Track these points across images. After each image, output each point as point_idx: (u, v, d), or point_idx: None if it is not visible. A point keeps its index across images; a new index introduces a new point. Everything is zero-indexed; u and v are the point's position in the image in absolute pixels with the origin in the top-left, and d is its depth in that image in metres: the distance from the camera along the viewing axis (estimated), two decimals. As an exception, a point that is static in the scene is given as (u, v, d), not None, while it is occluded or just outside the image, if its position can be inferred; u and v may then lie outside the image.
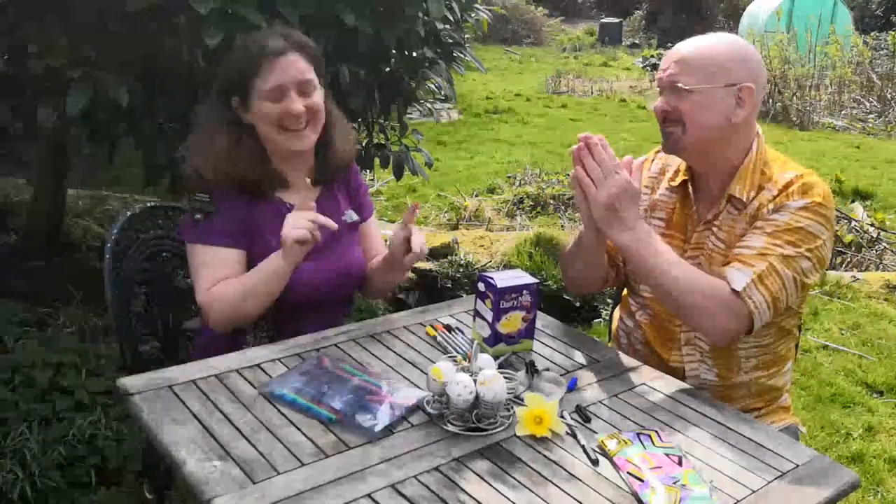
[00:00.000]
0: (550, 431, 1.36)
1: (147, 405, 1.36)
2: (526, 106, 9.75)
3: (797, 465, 1.34)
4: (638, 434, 1.37)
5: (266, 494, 1.16)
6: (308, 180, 1.79)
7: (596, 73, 12.88)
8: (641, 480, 1.25)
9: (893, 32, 10.30)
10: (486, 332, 1.63)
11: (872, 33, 11.73)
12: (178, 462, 1.22)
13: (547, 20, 18.13)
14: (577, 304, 3.63)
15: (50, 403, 2.35)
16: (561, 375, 1.54)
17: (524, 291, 1.63)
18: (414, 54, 2.70)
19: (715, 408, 1.51)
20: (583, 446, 1.34)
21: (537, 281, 1.66)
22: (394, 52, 2.64)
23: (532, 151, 7.21)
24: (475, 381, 1.35)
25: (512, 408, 1.41)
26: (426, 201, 5.51)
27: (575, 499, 1.21)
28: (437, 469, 1.25)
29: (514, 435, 1.36)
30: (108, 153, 2.60)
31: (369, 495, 1.18)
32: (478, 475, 1.25)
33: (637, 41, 17.66)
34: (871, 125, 9.34)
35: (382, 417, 1.35)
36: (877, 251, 4.83)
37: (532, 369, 1.51)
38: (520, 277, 1.65)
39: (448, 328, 1.75)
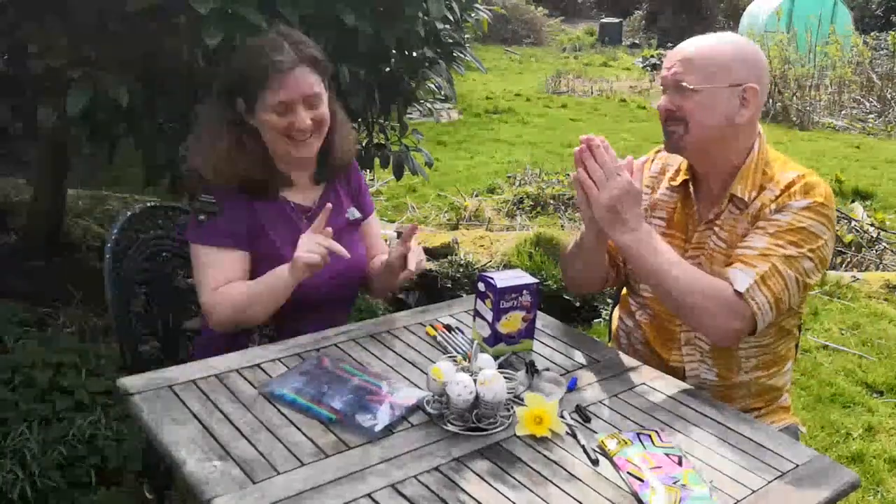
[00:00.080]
0: (550, 431, 1.36)
1: (147, 405, 1.36)
2: (526, 106, 9.75)
3: (797, 465, 1.34)
4: (638, 434, 1.37)
5: (266, 494, 1.16)
6: (310, 180, 1.79)
7: (596, 73, 12.88)
8: (641, 480, 1.25)
9: (893, 32, 10.30)
10: (486, 332, 1.63)
11: (872, 33, 11.73)
12: (178, 462, 1.22)
13: (547, 20, 18.14)
14: (577, 304, 3.63)
15: (50, 403, 2.35)
16: (561, 375, 1.54)
17: (524, 291, 1.63)
18: (414, 54, 2.70)
19: (715, 408, 1.52)
20: (583, 446, 1.34)
21: (537, 281, 1.66)
22: (394, 52, 2.64)
23: (532, 151, 7.21)
24: (475, 381, 1.35)
25: (512, 408, 1.41)
26: (426, 201, 5.51)
27: (575, 499, 1.21)
28: (437, 469, 1.25)
29: (514, 435, 1.36)
30: (108, 153, 2.60)
31: (369, 495, 1.18)
32: (478, 475, 1.25)
33: (637, 41, 17.67)
34: (871, 125, 9.34)
35: (382, 417, 1.35)
36: (877, 251, 4.83)
37: (532, 369, 1.51)
38: (520, 277, 1.65)
39: (448, 328, 1.75)
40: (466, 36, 2.90)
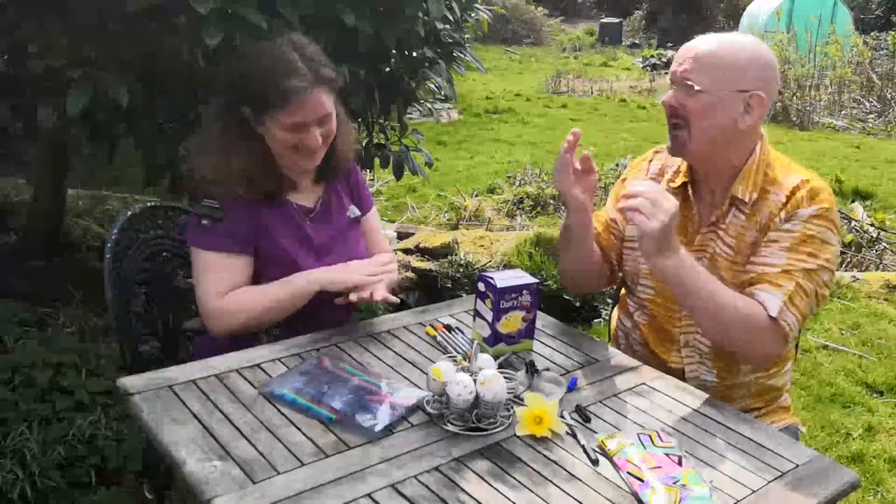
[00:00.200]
0: (550, 431, 1.36)
1: (147, 405, 1.36)
2: (526, 106, 9.75)
3: (797, 465, 1.34)
4: (638, 434, 1.37)
5: (266, 494, 1.16)
6: (311, 181, 1.79)
7: (596, 73, 12.88)
8: (641, 480, 1.25)
9: (893, 32, 10.30)
10: (486, 332, 1.63)
11: (872, 33, 11.73)
12: (178, 462, 1.22)
13: (547, 20, 18.14)
14: (577, 304, 3.63)
15: (50, 403, 2.35)
16: (561, 375, 1.54)
17: (524, 291, 1.63)
18: (414, 54, 2.70)
19: (715, 408, 1.52)
20: (583, 446, 1.34)
21: (537, 281, 1.66)
22: (394, 52, 2.64)
23: (532, 151, 7.21)
24: (475, 381, 1.35)
25: (512, 408, 1.41)
26: (426, 201, 5.52)
27: (575, 499, 1.21)
28: (437, 469, 1.25)
29: (514, 435, 1.36)
30: (108, 153, 2.60)
31: (369, 495, 1.18)
32: (478, 475, 1.25)
33: (637, 41, 17.67)
34: (871, 125, 9.35)
35: (382, 417, 1.35)
36: (877, 251, 4.83)
37: (532, 369, 1.51)
38: (520, 277, 1.65)
39: (448, 328, 1.75)
40: (466, 36, 2.89)
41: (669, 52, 14.47)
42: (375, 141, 3.00)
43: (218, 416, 1.35)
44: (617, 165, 6.41)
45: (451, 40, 2.76)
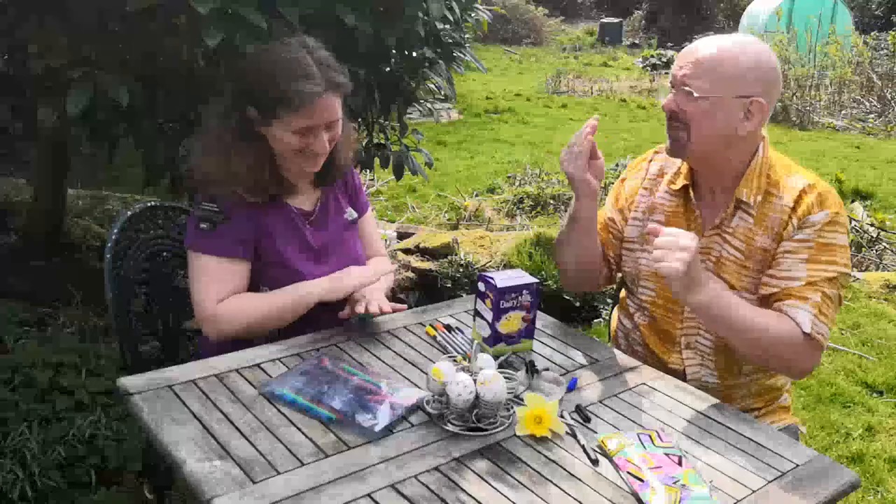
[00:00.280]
0: (550, 431, 1.36)
1: (147, 405, 1.36)
2: (526, 106, 9.76)
3: (797, 465, 1.34)
4: (638, 434, 1.37)
5: (266, 494, 1.16)
6: (310, 184, 1.79)
7: (596, 73, 12.88)
8: (641, 480, 1.25)
9: (893, 32, 10.30)
10: (486, 332, 1.63)
11: (872, 33, 11.72)
12: (178, 462, 1.22)
13: (547, 20, 18.14)
14: (577, 304, 3.63)
15: (50, 403, 2.35)
16: (561, 375, 1.54)
17: (524, 291, 1.63)
18: (414, 54, 2.70)
19: (715, 408, 1.52)
20: (583, 446, 1.34)
21: (537, 281, 1.66)
22: (394, 52, 2.64)
23: (532, 151, 7.21)
24: (475, 381, 1.35)
25: (512, 408, 1.41)
26: (426, 201, 5.52)
27: (575, 499, 1.21)
28: (437, 469, 1.25)
29: (514, 435, 1.36)
30: (108, 153, 2.60)
31: (369, 495, 1.18)
32: (478, 475, 1.25)
33: (637, 41, 17.68)
34: (871, 125, 9.35)
35: (382, 417, 1.35)
36: (877, 251, 4.83)
37: (532, 369, 1.51)
38: (520, 277, 1.65)
39: (448, 328, 1.75)
40: (466, 36, 2.89)
41: (669, 52, 14.48)
42: (375, 141, 3.00)
43: (218, 415, 1.35)
44: (617, 165, 6.40)
45: (451, 40, 2.76)
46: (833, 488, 1.29)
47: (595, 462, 1.30)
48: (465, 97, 9.49)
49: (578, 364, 1.65)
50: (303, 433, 1.32)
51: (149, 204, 1.92)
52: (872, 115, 9.64)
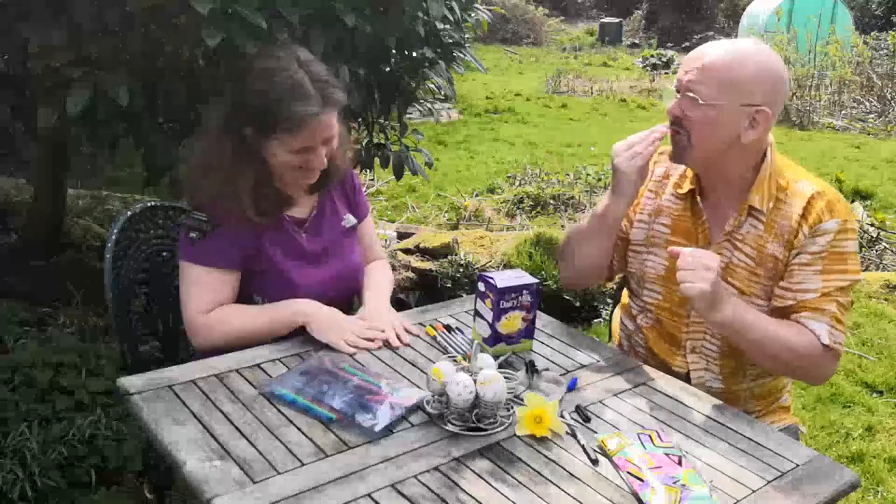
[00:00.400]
0: (550, 431, 1.36)
1: (147, 405, 1.36)
2: (526, 106, 9.76)
3: (797, 465, 1.34)
4: (638, 434, 1.37)
5: (266, 494, 1.16)
6: (305, 191, 1.78)
7: (596, 73, 12.88)
8: (641, 480, 1.25)
9: (893, 32, 10.29)
10: (486, 332, 1.63)
11: (872, 33, 11.72)
12: (178, 462, 1.22)
13: (547, 20, 18.14)
14: (577, 304, 3.63)
15: (50, 403, 2.35)
16: (561, 375, 1.54)
17: (524, 291, 1.63)
18: (414, 54, 2.70)
19: (715, 408, 1.52)
20: (583, 446, 1.34)
21: (537, 281, 1.66)
22: (394, 52, 2.64)
23: (532, 151, 7.22)
24: (475, 381, 1.35)
25: (512, 408, 1.41)
26: (426, 201, 5.51)
27: (575, 499, 1.21)
28: (437, 469, 1.25)
29: (514, 435, 1.36)
30: (109, 153, 2.60)
31: (369, 495, 1.18)
32: (478, 475, 1.25)
33: (637, 41, 17.68)
34: (871, 125, 9.35)
35: (382, 417, 1.35)
36: (877, 251, 4.83)
37: (532, 369, 1.51)
38: (520, 277, 1.65)
39: (448, 328, 1.75)
40: (466, 36, 2.89)
41: (669, 52, 14.49)
42: (375, 141, 3.00)
43: (218, 416, 1.35)
44: (617, 165, 6.41)
45: (451, 40, 2.76)
46: (833, 488, 1.29)
47: (595, 462, 1.30)
48: (465, 97, 9.49)
49: (578, 364, 1.65)
50: (303, 433, 1.32)
51: (149, 204, 1.92)
52: (872, 115, 9.64)
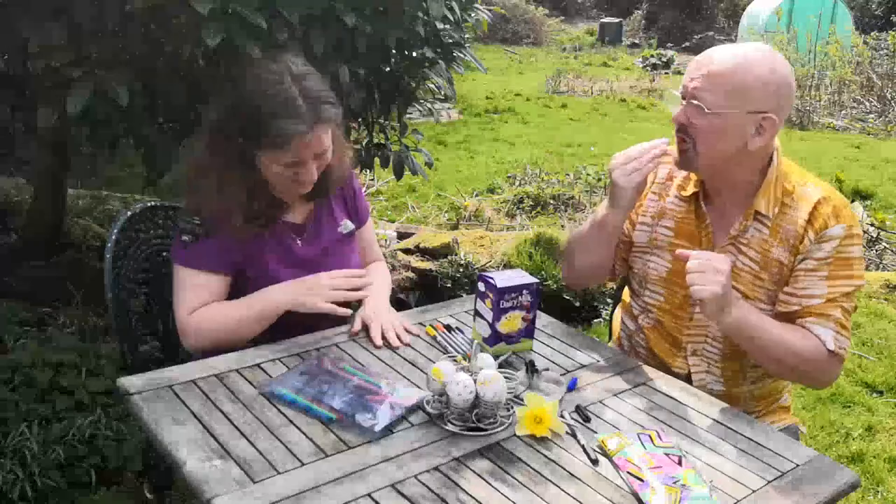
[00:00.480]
0: (550, 431, 1.36)
1: (147, 405, 1.36)
2: (526, 106, 9.75)
3: (797, 465, 1.34)
4: (638, 434, 1.37)
5: (266, 494, 1.16)
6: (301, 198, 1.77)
7: (596, 73, 12.87)
8: (641, 480, 1.25)
9: (893, 32, 10.29)
10: (486, 331, 1.63)
11: (872, 33, 11.71)
12: (178, 462, 1.22)
13: (547, 20, 18.13)
14: (577, 304, 3.63)
15: (50, 403, 2.35)
16: (561, 375, 1.54)
17: (524, 291, 1.63)
18: (414, 54, 2.70)
19: (715, 408, 1.52)
20: (583, 446, 1.34)
21: (537, 281, 1.66)
22: (394, 52, 2.64)
23: (532, 151, 7.21)
24: (475, 380, 1.35)
25: (512, 408, 1.41)
26: (426, 201, 5.52)
27: (575, 499, 1.21)
28: (437, 469, 1.25)
29: (514, 435, 1.36)
30: (109, 153, 2.60)
31: (369, 495, 1.18)
32: (478, 475, 1.25)
33: (637, 41, 17.67)
34: (871, 125, 9.35)
35: (382, 417, 1.35)
36: (877, 251, 4.83)
37: (532, 369, 1.51)
38: (520, 277, 1.65)
39: (448, 328, 1.75)
40: (466, 36, 2.89)
41: (669, 52, 14.48)
42: (375, 141, 3.00)
43: (218, 415, 1.35)
44: (617, 165, 6.40)
45: (451, 40, 2.76)
46: (833, 488, 1.29)
47: (595, 462, 1.30)
48: (465, 97, 9.48)
49: (578, 364, 1.65)
50: (303, 433, 1.32)
51: (149, 204, 1.92)
52: (872, 115, 9.64)
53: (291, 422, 1.35)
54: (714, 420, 1.47)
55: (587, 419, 1.43)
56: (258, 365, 1.53)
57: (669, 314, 1.76)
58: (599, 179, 5.91)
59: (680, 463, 1.30)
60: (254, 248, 1.70)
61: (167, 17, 2.13)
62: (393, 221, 4.93)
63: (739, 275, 1.66)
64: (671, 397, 1.54)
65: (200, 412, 1.35)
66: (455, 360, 1.53)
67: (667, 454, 1.32)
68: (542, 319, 1.82)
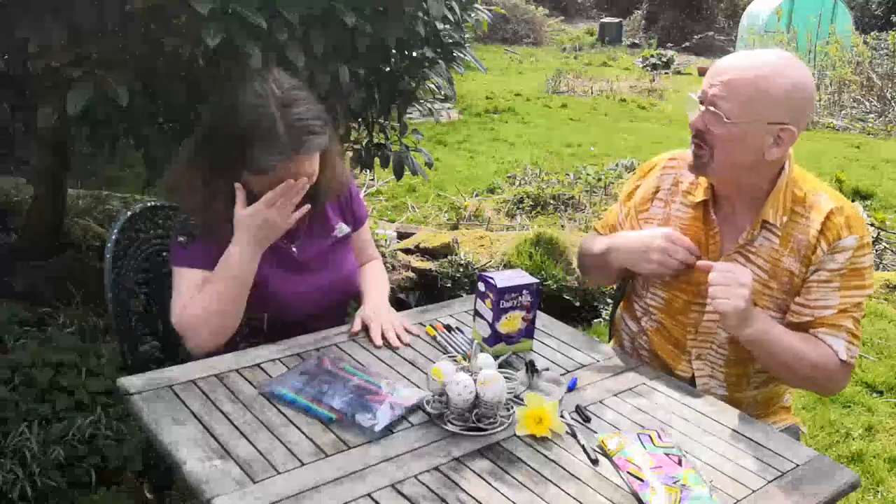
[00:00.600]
0: (550, 431, 1.36)
1: (147, 405, 1.36)
2: (526, 106, 9.75)
3: (797, 465, 1.34)
4: (638, 434, 1.37)
5: (266, 494, 1.16)
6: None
7: (596, 73, 12.87)
8: (641, 480, 1.25)
9: (893, 32, 10.29)
10: (486, 331, 1.63)
11: (872, 33, 11.72)
12: (178, 462, 1.22)
13: (547, 20, 18.14)
14: (577, 304, 3.63)
15: (50, 403, 2.35)
16: (561, 375, 1.54)
17: (524, 291, 1.63)
18: (414, 54, 2.70)
19: (715, 408, 1.52)
20: (583, 446, 1.34)
21: (537, 281, 1.66)
22: (394, 51, 2.64)
23: (532, 151, 7.21)
24: (475, 380, 1.35)
25: (512, 408, 1.41)
26: (426, 201, 5.52)
27: (575, 499, 1.21)
28: (437, 469, 1.25)
29: (514, 435, 1.36)
30: (109, 153, 2.60)
31: (369, 495, 1.18)
32: (478, 475, 1.25)
33: (637, 41, 17.68)
34: (871, 125, 9.35)
35: (382, 417, 1.35)
36: (877, 251, 4.83)
37: (532, 369, 1.51)
38: (520, 277, 1.65)
39: (448, 328, 1.75)
40: (466, 36, 2.89)
41: (669, 52, 14.48)
42: (375, 141, 3.00)
43: (218, 415, 1.35)
44: (617, 165, 6.41)
45: (451, 40, 2.76)
46: (833, 488, 1.29)
47: (595, 462, 1.30)
48: (465, 97, 9.48)
49: (578, 364, 1.65)
50: (303, 433, 1.32)
51: (149, 204, 1.92)
52: (872, 115, 9.64)
53: (291, 422, 1.35)
54: (714, 420, 1.47)
55: (587, 419, 1.43)
56: (258, 365, 1.53)
57: (670, 318, 1.75)
58: (599, 179, 5.92)
59: (680, 463, 1.30)
60: None
61: (167, 17, 2.13)
62: (393, 221, 4.93)
63: None
64: (671, 397, 1.54)
65: (200, 412, 1.35)
66: (455, 360, 1.53)
67: (667, 454, 1.32)
68: (542, 319, 1.82)
